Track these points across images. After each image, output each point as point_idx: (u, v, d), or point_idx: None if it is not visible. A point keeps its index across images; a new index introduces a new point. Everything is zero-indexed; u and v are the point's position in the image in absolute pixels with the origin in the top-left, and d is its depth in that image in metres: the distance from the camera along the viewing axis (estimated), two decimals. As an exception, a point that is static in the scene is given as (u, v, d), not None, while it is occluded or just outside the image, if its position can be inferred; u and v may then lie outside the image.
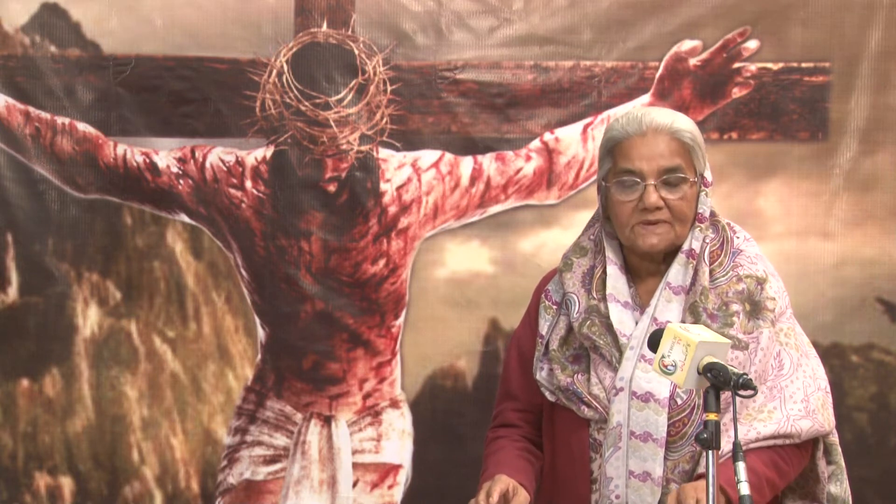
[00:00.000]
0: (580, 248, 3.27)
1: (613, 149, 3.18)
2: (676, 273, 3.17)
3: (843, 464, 3.28)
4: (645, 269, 3.22)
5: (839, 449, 3.27)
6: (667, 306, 3.15)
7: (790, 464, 3.16)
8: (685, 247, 3.18)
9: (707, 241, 3.18)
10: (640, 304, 3.20)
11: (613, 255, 3.22)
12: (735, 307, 3.15)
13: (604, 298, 3.19)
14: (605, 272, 3.21)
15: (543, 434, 3.29)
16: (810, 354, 3.24)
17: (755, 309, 3.16)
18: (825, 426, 3.18)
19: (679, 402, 3.11)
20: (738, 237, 3.25)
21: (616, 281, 3.20)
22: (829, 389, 3.23)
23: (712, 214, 3.22)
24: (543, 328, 3.26)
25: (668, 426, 3.11)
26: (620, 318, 3.17)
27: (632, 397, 3.12)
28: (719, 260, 3.20)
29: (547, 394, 3.24)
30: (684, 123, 3.18)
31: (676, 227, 3.16)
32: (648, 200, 3.13)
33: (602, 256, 3.23)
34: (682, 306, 3.16)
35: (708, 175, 3.21)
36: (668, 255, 3.20)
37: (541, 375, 3.25)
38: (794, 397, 3.15)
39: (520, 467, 3.22)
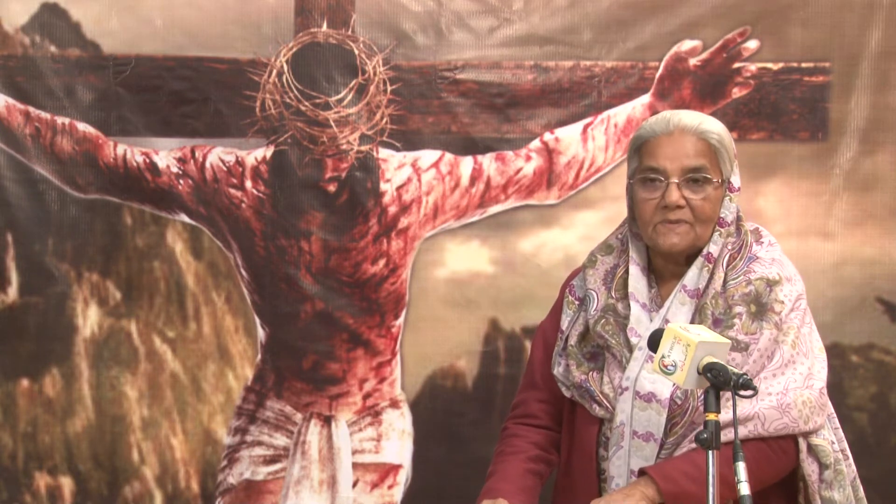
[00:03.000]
0: (607, 246, 3.29)
1: (640, 147, 3.20)
2: (693, 276, 3.17)
3: (847, 469, 3.21)
4: (669, 272, 3.22)
5: (828, 450, 3.16)
6: (679, 309, 3.15)
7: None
8: (705, 250, 3.18)
9: (729, 247, 3.19)
10: (659, 304, 3.21)
11: (637, 255, 3.23)
12: (738, 309, 3.14)
13: (622, 298, 3.20)
14: (627, 272, 3.22)
15: (563, 426, 3.30)
16: (811, 354, 3.19)
17: (760, 310, 3.15)
18: (800, 424, 3.10)
19: (678, 402, 3.11)
20: (760, 242, 3.25)
21: (637, 282, 3.21)
22: (824, 392, 3.17)
23: (738, 219, 3.23)
24: (564, 323, 3.28)
25: (667, 425, 3.11)
26: (639, 317, 3.18)
27: (635, 397, 3.13)
28: (733, 264, 3.20)
29: (563, 389, 3.25)
30: (712, 125, 3.21)
31: (697, 228, 3.17)
32: (670, 198, 3.14)
33: (626, 256, 3.24)
34: (693, 309, 3.15)
35: (735, 181, 3.23)
36: (691, 257, 3.20)
37: (558, 371, 3.26)
38: (770, 390, 3.09)
39: (525, 486, 3.22)
